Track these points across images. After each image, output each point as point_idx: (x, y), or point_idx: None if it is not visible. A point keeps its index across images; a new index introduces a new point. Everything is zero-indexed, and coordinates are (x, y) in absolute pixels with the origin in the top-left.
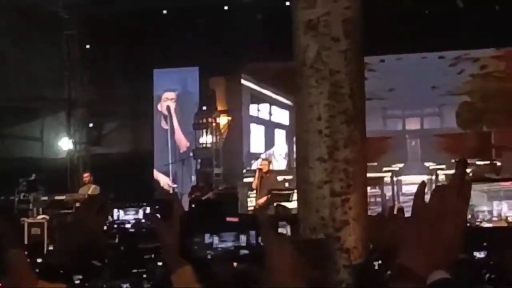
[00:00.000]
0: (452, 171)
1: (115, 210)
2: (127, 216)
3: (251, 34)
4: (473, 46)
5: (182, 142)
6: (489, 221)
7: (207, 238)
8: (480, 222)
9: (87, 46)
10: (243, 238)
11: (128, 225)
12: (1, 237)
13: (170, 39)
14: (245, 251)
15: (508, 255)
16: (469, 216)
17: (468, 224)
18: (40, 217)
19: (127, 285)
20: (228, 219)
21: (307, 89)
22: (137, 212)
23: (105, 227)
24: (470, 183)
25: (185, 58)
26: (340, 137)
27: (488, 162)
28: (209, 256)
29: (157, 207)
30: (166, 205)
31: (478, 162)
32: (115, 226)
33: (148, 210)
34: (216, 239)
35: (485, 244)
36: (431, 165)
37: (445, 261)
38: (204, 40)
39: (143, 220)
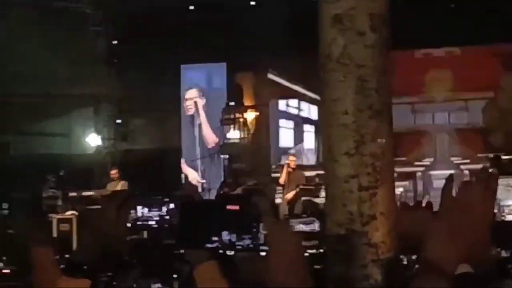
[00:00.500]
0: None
1: (139, 207)
2: (151, 213)
3: (278, 29)
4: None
5: (210, 137)
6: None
7: (224, 236)
8: (505, 216)
9: (114, 42)
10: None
11: (152, 222)
12: (29, 233)
13: (197, 35)
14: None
15: None
16: (496, 210)
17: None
18: (68, 213)
19: (159, 285)
20: (229, 207)
21: (333, 83)
22: (160, 209)
23: (129, 224)
24: (497, 176)
25: (212, 54)
26: (366, 132)
27: None
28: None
29: (178, 202)
30: (189, 200)
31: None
32: (139, 223)
33: (171, 206)
34: (234, 237)
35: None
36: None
37: (473, 255)
38: (231, 36)
39: (167, 216)
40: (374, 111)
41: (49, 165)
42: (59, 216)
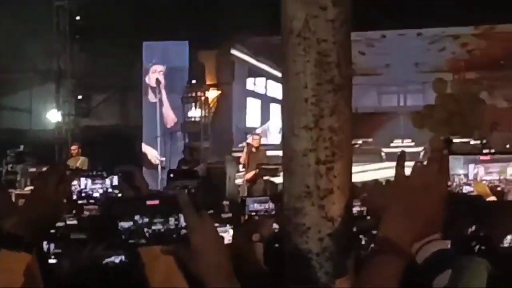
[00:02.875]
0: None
1: (83, 179)
2: (94, 185)
3: (241, 7)
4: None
5: (170, 116)
6: (466, 184)
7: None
8: (457, 186)
9: (77, 18)
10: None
11: (96, 194)
12: None
13: (160, 11)
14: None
15: (496, 225)
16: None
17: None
18: (27, 188)
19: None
20: (148, 202)
21: (294, 57)
22: (104, 181)
23: (69, 198)
24: (447, 157)
25: (175, 31)
26: (326, 106)
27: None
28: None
29: (120, 175)
30: (130, 176)
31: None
32: (83, 195)
33: (115, 179)
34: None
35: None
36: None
37: (429, 232)
38: (194, 13)
39: (110, 190)
40: (334, 85)
41: (9, 140)
42: (18, 192)
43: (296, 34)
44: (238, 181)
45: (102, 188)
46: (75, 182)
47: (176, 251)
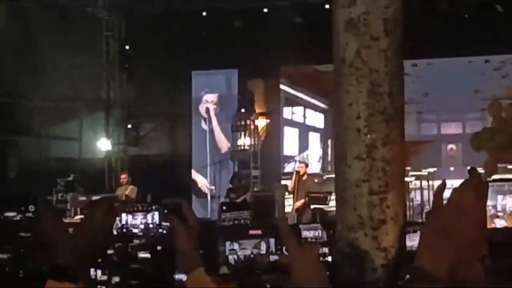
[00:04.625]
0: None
1: (123, 215)
2: (135, 221)
3: (289, 37)
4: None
5: (223, 143)
6: (494, 216)
7: (227, 246)
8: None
9: (126, 47)
10: (263, 245)
11: (135, 230)
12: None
13: (209, 41)
14: (268, 259)
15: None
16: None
17: None
18: (77, 217)
19: None
20: (251, 232)
21: (346, 87)
22: (145, 217)
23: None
24: (487, 184)
25: (224, 60)
26: (378, 136)
27: None
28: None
29: (165, 211)
30: (176, 210)
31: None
32: (124, 230)
33: (156, 215)
34: (236, 247)
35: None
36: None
37: (467, 258)
38: (243, 43)
39: (151, 226)
40: (386, 115)
41: (59, 169)
42: (68, 220)
43: (348, 64)
44: (287, 209)
45: (142, 223)
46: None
47: (277, 281)
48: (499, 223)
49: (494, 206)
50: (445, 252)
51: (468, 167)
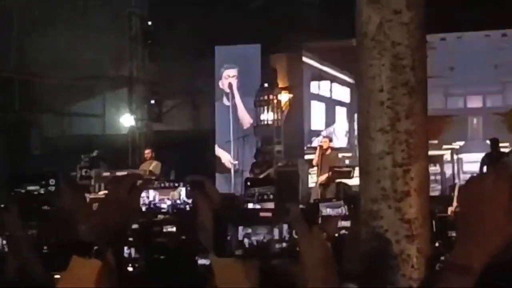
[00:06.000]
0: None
1: (151, 191)
2: (162, 197)
3: (313, 11)
4: None
5: (246, 118)
6: None
7: (240, 231)
8: None
9: (149, 23)
10: (276, 231)
11: (163, 206)
12: (73, 210)
13: (232, 16)
14: (280, 245)
15: None
16: None
17: None
18: (101, 193)
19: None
20: (262, 214)
21: (369, 61)
22: (171, 194)
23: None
24: (507, 164)
25: (246, 35)
26: (401, 109)
27: None
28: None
29: (189, 188)
30: (199, 187)
31: None
32: (151, 207)
33: (183, 191)
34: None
35: None
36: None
37: (495, 245)
38: (266, 17)
39: (178, 202)
40: (409, 88)
41: (83, 145)
42: (92, 196)
43: (370, 38)
44: (311, 183)
45: (169, 200)
46: (143, 194)
47: (285, 266)
48: None
49: None
50: (478, 244)
51: (488, 141)
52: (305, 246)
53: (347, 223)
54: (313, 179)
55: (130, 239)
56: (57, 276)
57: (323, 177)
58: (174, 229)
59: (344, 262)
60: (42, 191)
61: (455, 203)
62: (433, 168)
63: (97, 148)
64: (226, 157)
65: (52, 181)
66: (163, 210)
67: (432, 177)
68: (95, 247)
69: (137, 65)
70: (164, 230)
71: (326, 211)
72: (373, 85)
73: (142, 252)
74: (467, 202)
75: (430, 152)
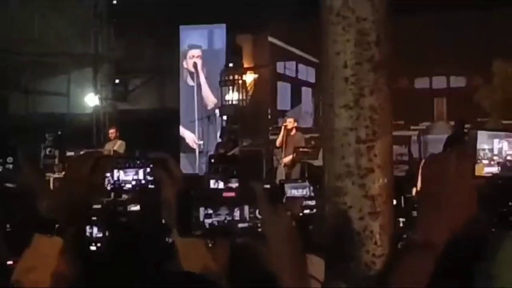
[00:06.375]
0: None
1: (115, 171)
2: (127, 177)
3: None
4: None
5: (210, 98)
6: (490, 159)
7: (204, 210)
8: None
9: (114, 2)
10: (237, 211)
11: (128, 186)
12: (32, 187)
13: None
14: (243, 225)
15: None
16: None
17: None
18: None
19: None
20: (225, 194)
21: (334, 36)
22: (137, 173)
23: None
24: (473, 136)
25: (212, 15)
26: (366, 85)
27: None
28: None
29: (151, 166)
30: (162, 165)
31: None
32: (116, 186)
33: (148, 170)
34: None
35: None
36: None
37: (457, 222)
38: None
39: (143, 181)
40: (374, 64)
41: (47, 124)
42: (56, 175)
43: (335, 13)
44: (276, 164)
45: (134, 179)
46: (108, 174)
47: (250, 245)
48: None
49: (491, 150)
50: (439, 222)
51: (452, 122)
52: (270, 226)
53: (312, 203)
54: (278, 159)
55: (93, 218)
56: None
57: (288, 157)
58: (138, 208)
59: (309, 240)
60: (0, 169)
61: (419, 184)
62: (401, 148)
63: (61, 127)
64: (190, 137)
65: (10, 159)
66: (126, 189)
67: (399, 158)
68: (57, 225)
69: (102, 44)
70: (128, 209)
71: (291, 191)
72: (338, 61)
73: (105, 231)
74: (427, 180)
75: (398, 133)
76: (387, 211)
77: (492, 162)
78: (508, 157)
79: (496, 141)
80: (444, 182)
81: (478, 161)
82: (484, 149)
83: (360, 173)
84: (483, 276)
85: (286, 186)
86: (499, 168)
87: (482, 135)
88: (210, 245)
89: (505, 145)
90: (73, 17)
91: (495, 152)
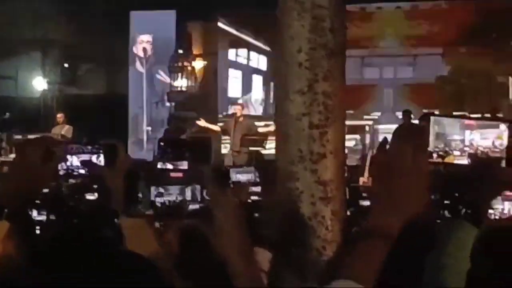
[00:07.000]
0: None
1: (68, 156)
2: (78, 163)
3: None
4: None
5: (159, 84)
6: (462, 150)
7: (153, 190)
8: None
9: None
10: (188, 191)
11: (82, 171)
12: None
13: None
14: (194, 206)
15: (482, 190)
16: (442, 145)
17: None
18: (12, 155)
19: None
20: (172, 174)
21: (289, 21)
22: (90, 158)
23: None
24: (426, 129)
25: (162, 1)
26: (320, 70)
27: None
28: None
29: (101, 151)
30: (111, 150)
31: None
32: (69, 172)
33: (101, 156)
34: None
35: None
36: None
37: (409, 212)
38: None
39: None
40: (328, 50)
41: None
42: (2, 159)
43: None
44: (224, 151)
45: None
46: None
47: (199, 226)
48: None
49: (462, 141)
50: (393, 209)
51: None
52: (218, 208)
53: (257, 189)
54: (226, 146)
55: (42, 202)
56: None
57: (236, 145)
58: (88, 192)
59: (256, 227)
60: None
61: (366, 174)
62: (354, 138)
63: (9, 110)
64: (139, 123)
65: None
66: (76, 173)
67: (353, 147)
68: (6, 210)
69: (51, 28)
70: (78, 193)
71: (237, 177)
72: (292, 46)
73: (55, 215)
74: (380, 169)
75: (351, 122)
76: (339, 196)
77: (463, 154)
78: (480, 148)
79: (467, 132)
80: (397, 170)
81: (450, 151)
82: (455, 140)
83: (313, 159)
84: (433, 265)
85: (232, 171)
86: (469, 159)
87: (454, 126)
88: (158, 226)
89: (476, 136)
90: (22, 0)
91: (466, 143)
